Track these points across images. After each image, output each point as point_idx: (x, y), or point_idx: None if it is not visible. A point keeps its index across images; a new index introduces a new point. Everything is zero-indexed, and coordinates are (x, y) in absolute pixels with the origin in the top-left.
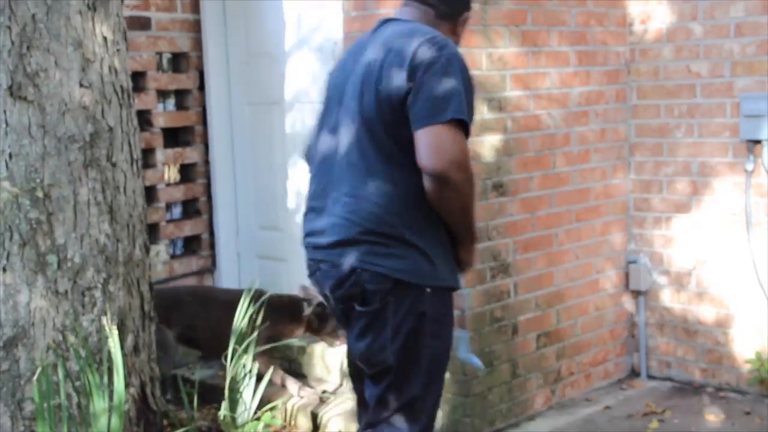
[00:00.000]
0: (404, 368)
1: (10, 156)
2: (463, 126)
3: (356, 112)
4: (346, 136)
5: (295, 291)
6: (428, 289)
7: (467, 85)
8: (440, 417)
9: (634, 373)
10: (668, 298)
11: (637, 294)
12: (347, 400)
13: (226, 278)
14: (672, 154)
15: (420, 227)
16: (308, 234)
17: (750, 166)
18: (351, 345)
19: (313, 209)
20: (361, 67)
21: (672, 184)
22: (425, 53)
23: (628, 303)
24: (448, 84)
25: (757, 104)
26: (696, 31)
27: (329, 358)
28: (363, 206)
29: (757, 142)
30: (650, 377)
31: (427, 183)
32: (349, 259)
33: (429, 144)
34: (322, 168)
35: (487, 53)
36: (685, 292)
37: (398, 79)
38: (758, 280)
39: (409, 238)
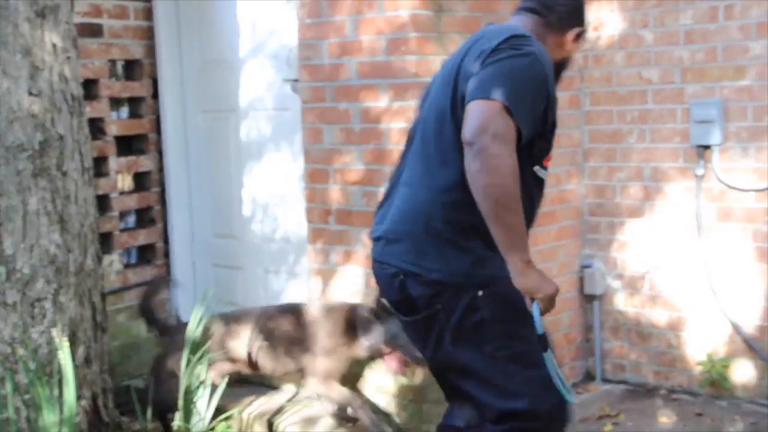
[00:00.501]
0: (485, 380)
1: None
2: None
3: (434, 103)
4: (422, 127)
5: (250, 301)
6: (480, 292)
7: (535, 89)
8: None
9: (588, 377)
10: (622, 302)
11: (591, 298)
12: (304, 408)
13: (181, 287)
14: (625, 160)
15: (473, 225)
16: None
17: (700, 171)
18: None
19: (384, 197)
20: (452, 60)
21: (625, 189)
22: (504, 45)
23: (582, 307)
24: (514, 72)
25: (707, 110)
26: (647, 38)
27: None
28: (413, 198)
29: (707, 147)
30: (605, 380)
31: (465, 158)
32: (392, 258)
33: (473, 113)
34: (401, 157)
35: (442, 60)
36: (639, 296)
37: (473, 68)
38: (709, 284)
39: (456, 237)
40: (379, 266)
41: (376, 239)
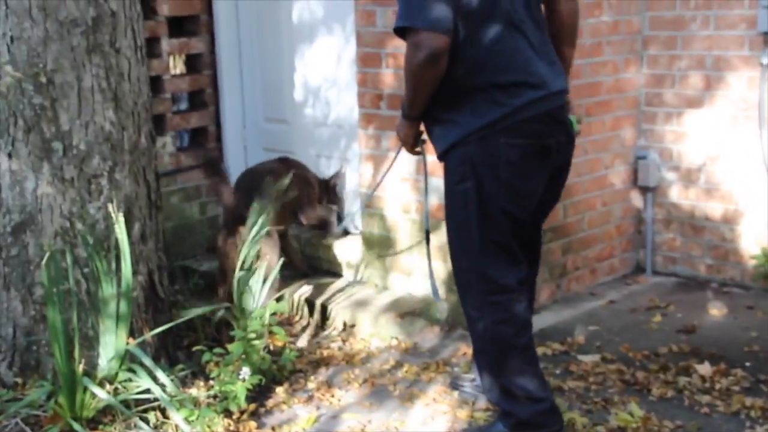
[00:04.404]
0: None
1: (12, 39)
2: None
3: None
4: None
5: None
6: None
7: None
8: (444, 309)
9: (639, 269)
10: (676, 194)
11: (645, 190)
12: (355, 294)
13: (233, 173)
14: (686, 48)
15: None
16: None
17: (766, 60)
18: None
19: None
20: None
21: (685, 78)
22: None
23: (635, 199)
24: None
25: None
26: None
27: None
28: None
29: None
30: (655, 273)
31: None
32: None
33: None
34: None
35: None
36: (694, 189)
37: None
38: None
39: None
40: (560, 113)
41: (559, 92)
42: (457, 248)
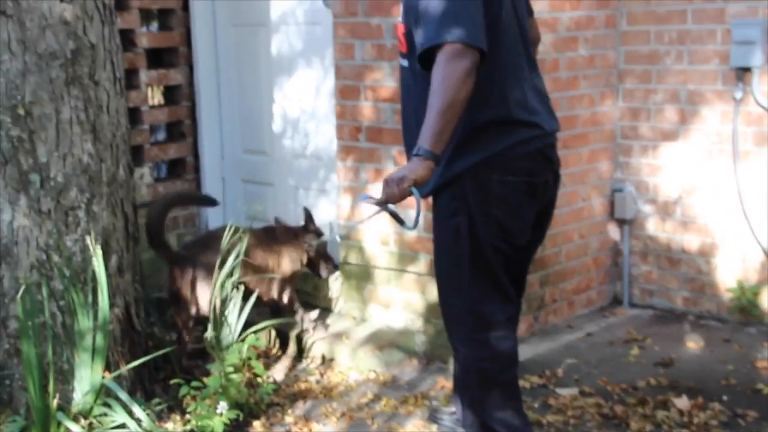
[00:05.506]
0: None
1: None
2: None
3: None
4: (518, 29)
5: (280, 215)
6: None
7: None
8: (421, 342)
9: (616, 301)
10: (653, 226)
11: (622, 222)
12: (331, 325)
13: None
14: (661, 82)
15: None
16: None
17: (739, 95)
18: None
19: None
20: None
21: (660, 112)
22: None
23: (612, 231)
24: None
25: (749, 31)
26: None
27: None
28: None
29: (747, 69)
30: (632, 305)
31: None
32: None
33: None
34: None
35: None
36: (671, 221)
37: None
38: (743, 210)
39: None
40: (551, 151)
41: (551, 133)
42: (446, 284)
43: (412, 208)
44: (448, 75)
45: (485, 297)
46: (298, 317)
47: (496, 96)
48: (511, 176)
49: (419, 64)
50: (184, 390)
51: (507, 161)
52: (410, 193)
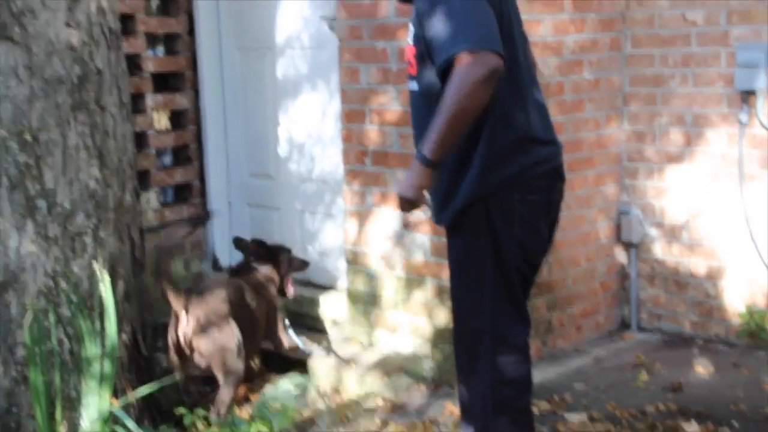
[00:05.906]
0: None
1: None
2: None
3: (521, 33)
4: (522, 52)
5: (286, 242)
6: None
7: None
8: (429, 367)
9: (624, 325)
10: (660, 250)
11: (628, 246)
12: (340, 351)
13: (218, 227)
14: (666, 104)
15: None
16: None
17: (744, 117)
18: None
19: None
20: None
21: (665, 134)
22: None
23: (619, 255)
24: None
25: (753, 54)
26: None
27: None
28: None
29: (752, 92)
30: (640, 329)
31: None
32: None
33: None
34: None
35: None
36: (677, 244)
37: None
38: (750, 233)
39: None
40: (562, 168)
41: (561, 149)
42: (467, 308)
43: None
44: (460, 82)
45: (507, 319)
46: (286, 343)
47: (517, 115)
48: (531, 195)
49: (440, 81)
50: (188, 419)
51: (528, 180)
52: (424, 200)
